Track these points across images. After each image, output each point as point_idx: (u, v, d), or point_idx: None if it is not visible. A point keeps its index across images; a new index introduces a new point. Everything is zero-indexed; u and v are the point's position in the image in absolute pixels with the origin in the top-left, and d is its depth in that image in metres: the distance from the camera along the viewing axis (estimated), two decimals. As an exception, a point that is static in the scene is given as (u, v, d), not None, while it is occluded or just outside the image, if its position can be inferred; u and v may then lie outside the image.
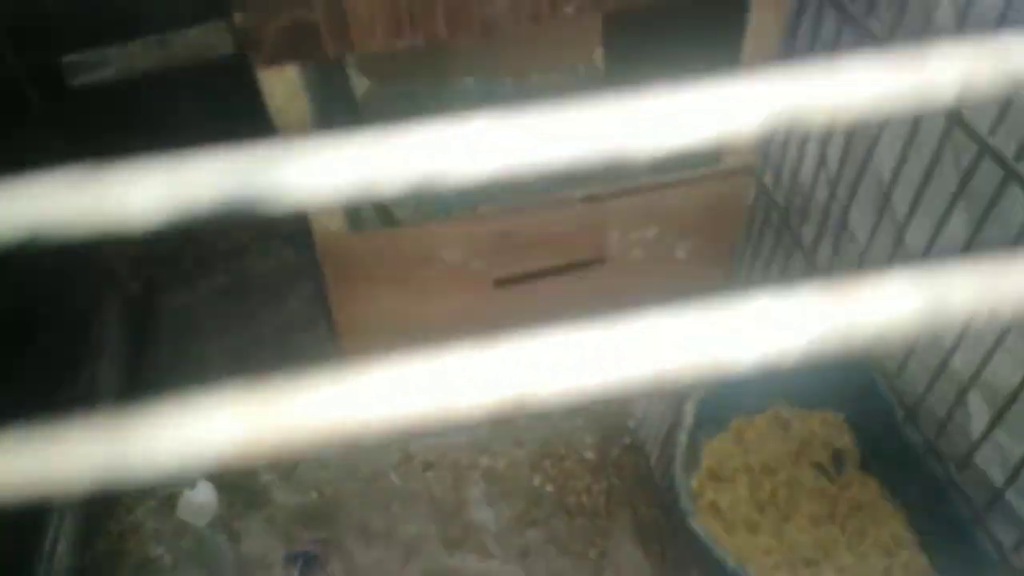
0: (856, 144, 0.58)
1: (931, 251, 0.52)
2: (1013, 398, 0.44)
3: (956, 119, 0.47)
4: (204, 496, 1.14)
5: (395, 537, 1.15)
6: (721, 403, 0.62)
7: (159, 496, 1.13)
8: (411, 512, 1.14)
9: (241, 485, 1.15)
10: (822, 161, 0.64)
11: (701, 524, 0.52)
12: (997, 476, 0.49)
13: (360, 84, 1.02)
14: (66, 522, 1.05)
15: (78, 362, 1.15)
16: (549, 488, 1.16)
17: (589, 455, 1.18)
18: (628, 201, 0.73)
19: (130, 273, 1.27)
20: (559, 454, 1.20)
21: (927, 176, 0.52)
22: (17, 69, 0.80)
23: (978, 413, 0.50)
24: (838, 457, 0.61)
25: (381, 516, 1.12)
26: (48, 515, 1.00)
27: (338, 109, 0.88)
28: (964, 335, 0.48)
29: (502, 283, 0.78)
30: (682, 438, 0.56)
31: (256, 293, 1.31)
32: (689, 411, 0.58)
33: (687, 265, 0.78)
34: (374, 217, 0.84)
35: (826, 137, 0.63)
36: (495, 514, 1.13)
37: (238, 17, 0.51)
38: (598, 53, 1.06)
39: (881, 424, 0.57)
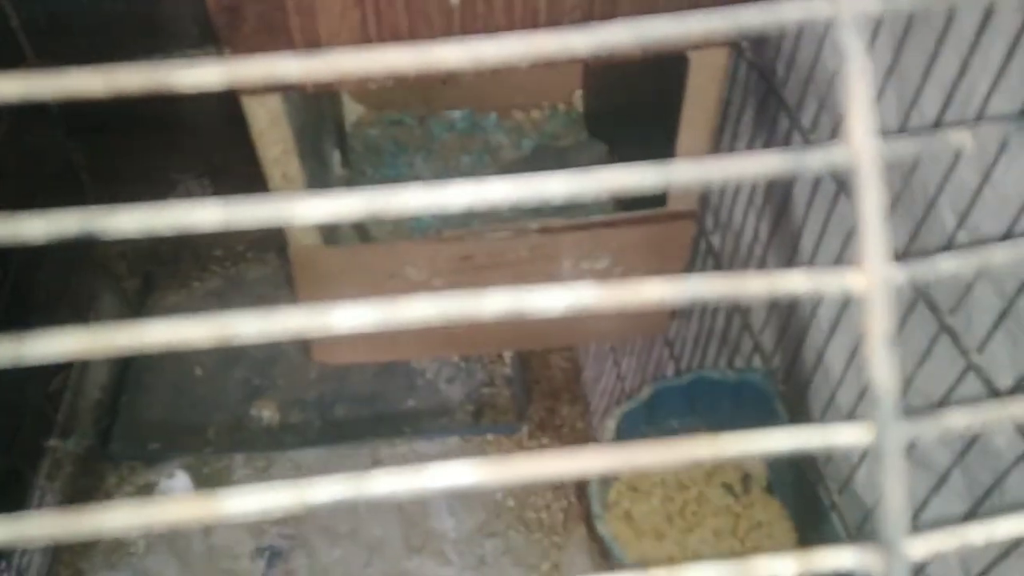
0: (774, 195, 0.65)
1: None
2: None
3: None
4: (181, 486, 1.20)
5: (359, 538, 1.20)
6: (646, 423, 0.69)
7: (137, 484, 1.18)
8: (376, 516, 1.19)
9: (216, 478, 1.20)
10: (750, 206, 0.71)
11: (609, 528, 0.58)
12: (871, 498, 0.55)
13: (353, 110, 1.09)
14: (46, 501, 1.11)
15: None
16: (510, 502, 1.21)
17: (552, 474, 1.23)
18: (580, 235, 0.80)
19: (128, 270, 1.34)
20: (523, 471, 1.24)
21: (825, 223, 0.58)
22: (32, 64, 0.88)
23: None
24: (746, 479, 0.67)
25: (347, 518, 1.17)
26: (30, 493, 1.06)
27: (325, 134, 0.95)
28: (844, 375, 0.55)
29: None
30: (601, 451, 0.62)
31: (247, 297, 1.37)
32: (610, 427, 0.64)
33: (634, 296, 0.85)
34: (350, 233, 0.91)
35: (753, 189, 0.70)
36: (456, 523, 1.19)
37: (226, 52, 0.58)
38: (577, 95, 1.14)
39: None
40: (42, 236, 0.13)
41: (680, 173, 0.14)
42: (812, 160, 0.14)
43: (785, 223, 0.65)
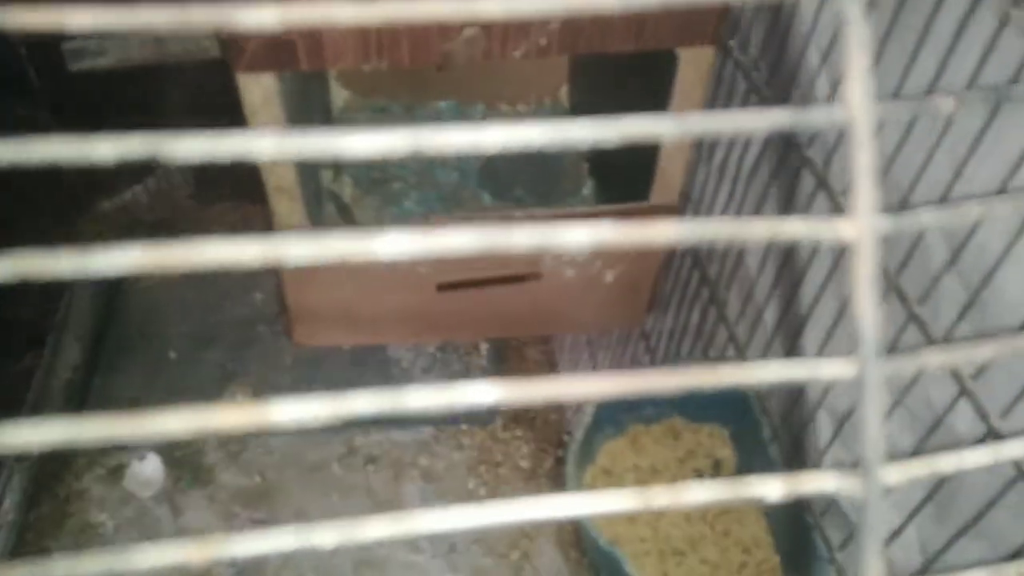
0: (753, 191, 0.68)
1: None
2: (847, 417, 0.53)
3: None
4: (151, 469, 1.19)
5: (330, 524, 1.20)
6: (623, 410, 0.71)
7: (107, 465, 1.18)
8: (349, 502, 1.20)
9: (188, 462, 1.20)
10: (730, 202, 0.73)
11: (584, 509, 0.59)
12: (835, 488, 0.57)
13: (339, 95, 1.10)
14: (14, 480, 1.10)
15: (44, 334, 1.20)
16: (482, 492, 1.23)
17: (524, 464, 1.24)
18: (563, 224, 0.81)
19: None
20: (495, 460, 1.26)
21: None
22: (21, 52, 0.87)
23: (824, 432, 0.58)
24: (717, 466, 0.69)
25: (319, 503, 1.18)
26: (-1, 471, 1.05)
27: (314, 116, 0.96)
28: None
29: (444, 288, 0.86)
30: (578, 435, 0.64)
31: (224, 283, 1.37)
32: (588, 411, 0.65)
33: (613, 289, 0.87)
34: (336, 217, 0.91)
35: (734, 185, 0.72)
36: (427, 511, 1.19)
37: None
38: (563, 90, 1.16)
39: (753, 439, 0.66)
40: (112, 157, 0.14)
41: (691, 124, 0.16)
42: (812, 117, 0.16)
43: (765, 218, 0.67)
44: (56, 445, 0.14)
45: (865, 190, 0.16)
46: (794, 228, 0.16)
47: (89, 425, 0.14)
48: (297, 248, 0.15)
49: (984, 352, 0.16)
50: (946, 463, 0.17)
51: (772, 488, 0.16)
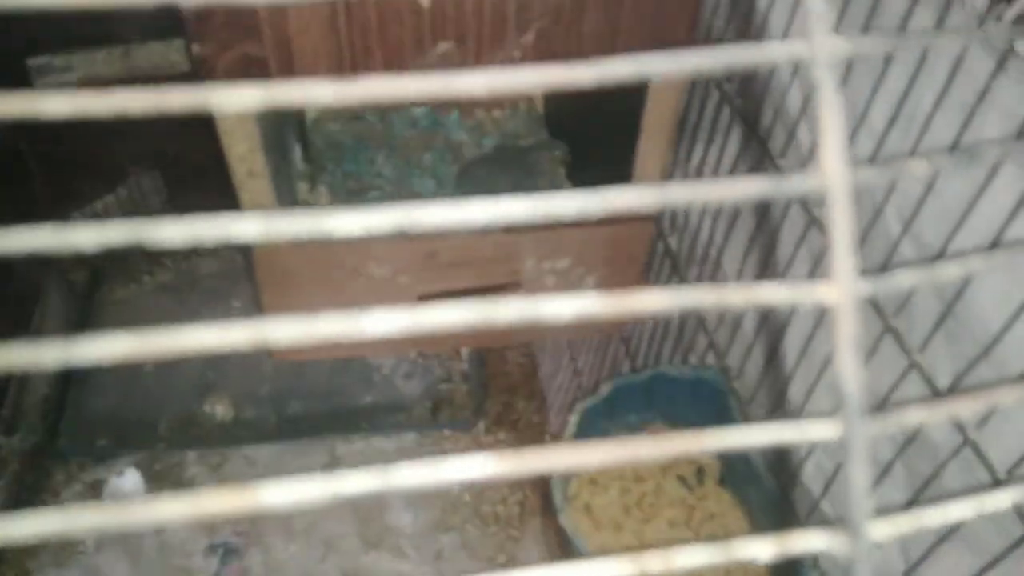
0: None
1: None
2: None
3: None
4: (131, 484, 1.17)
5: (315, 534, 1.19)
6: (606, 418, 0.71)
7: (86, 481, 1.16)
8: (332, 511, 1.19)
9: (168, 475, 1.19)
10: (705, 210, 0.73)
11: (570, 521, 0.60)
12: (817, 489, 0.58)
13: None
14: (-9, 499, 1.08)
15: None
16: (467, 497, 1.23)
17: (507, 468, 1.24)
18: (542, 235, 0.82)
19: (75, 263, 1.31)
20: (479, 465, 1.25)
21: (779, 225, 0.61)
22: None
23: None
24: (700, 472, 0.70)
25: (303, 514, 1.17)
26: (-25, 489, 1.03)
27: (288, 130, 0.95)
28: (794, 372, 0.58)
29: (425, 299, 0.85)
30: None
31: (200, 292, 1.35)
32: (572, 422, 0.66)
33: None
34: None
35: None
36: (413, 518, 1.19)
37: (194, 47, 0.58)
38: (539, 96, 1.16)
39: (736, 444, 0.66)
40: (93, 245, 0.14)
41: (672, 194, 0.16)
42: (788, 186, 0.16)
43: (741, 226, 0.68)
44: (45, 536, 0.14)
45: (844, 254, 0.16)
46: (775, 293, 0.16)
47: (80, 516, 0.14)
48: (284, 330, 0.15)
49: (969, 407, 0.17)
50: (930, 517, 0.17)
51: (763, 549, 0.17)
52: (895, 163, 0.16)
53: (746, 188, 0.16)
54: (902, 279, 0.16)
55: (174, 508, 0.14)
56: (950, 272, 0.16)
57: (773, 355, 0.64)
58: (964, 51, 0.42)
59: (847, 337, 0.16)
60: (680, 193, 0.16)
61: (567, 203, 0.16)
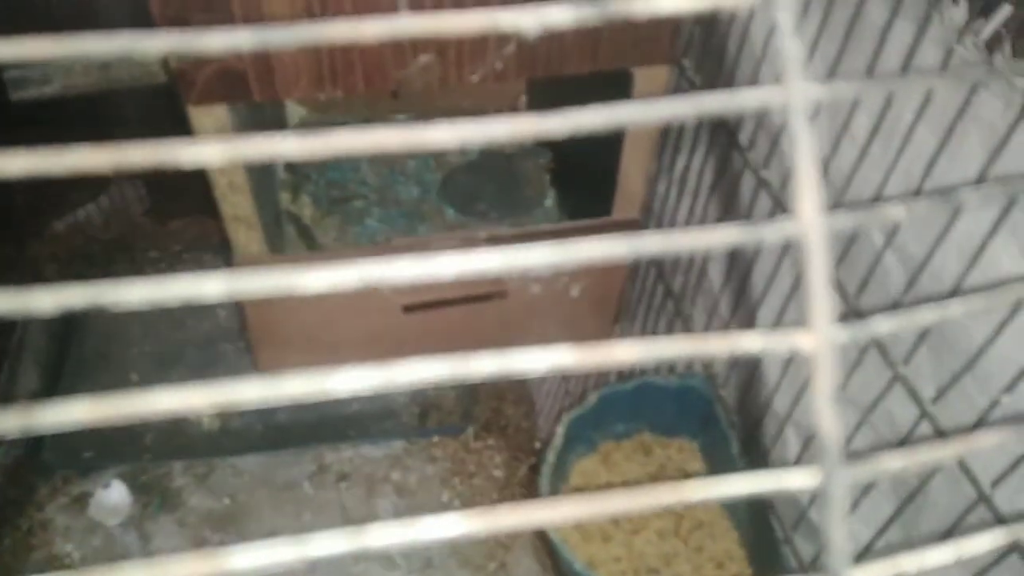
0: (715, 205, 0.68)
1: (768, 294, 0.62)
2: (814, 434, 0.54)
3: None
4: (117, 496, 1.16)
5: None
6: (593, 427, 0.71)
7: (71, 494, 1.15)
8: (322, 521, 1.18)
9: (155, 486, 1.18)
10: (691, 216, 0.73)
11: (558, 532, 0.59)
12: (805, 497, 0.58)
13: (295, 112, 1.08)
14: (-26, 515, 1.07)
15: (0, 359, 1.17)
16: (457, 504, 1.22)
17: (497, 473, 1.24)
18: (527, 243, 0.81)
19: (59, 273, 1.29)
20: (469, 471, 1.25)
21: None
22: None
23: (792, 446, 0.59)
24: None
25: (292, 523, 1.16)
26: (-43, 506, 1.02)
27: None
28: (781, 382, 0.58)
29: (410, 309, 0.85)
30: (550, 457, 0.64)
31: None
32: (560, 433, 0.66)
33: (580, 304, 0.87)
34: (297, 240, 0.90)
35: (694, 199, 0.72)
36: (402, 526, 1.18)
37: (172, 60, 0.57)
38: (522, 101, 1.15)
39: (723, 453, 0.66)
40: (51, 309, 0.14)
41: (648, 244, 0.16)
42: (764, 233, 0.16)
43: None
44: None
45: (821, 301, 0.16)
46: (754, 342, 0.16)
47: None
48: (249, 391, 0.14)
49: (948, 452, 0.17)
50: (908, 563, 0.17)
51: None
52: (871, 209, 0.16)
53: (721, 237, 0.16)
54: (880, 326, 0.16)
55: (139, 574, 0.14)
56: (926, 317, 0.16)
57: (758, 363, 0.64)
58: (946, 63, 0.42)
59: (825, 386, 0.16)
60: (654, 243, 0.15)
61: (539, 255, 0.16)
